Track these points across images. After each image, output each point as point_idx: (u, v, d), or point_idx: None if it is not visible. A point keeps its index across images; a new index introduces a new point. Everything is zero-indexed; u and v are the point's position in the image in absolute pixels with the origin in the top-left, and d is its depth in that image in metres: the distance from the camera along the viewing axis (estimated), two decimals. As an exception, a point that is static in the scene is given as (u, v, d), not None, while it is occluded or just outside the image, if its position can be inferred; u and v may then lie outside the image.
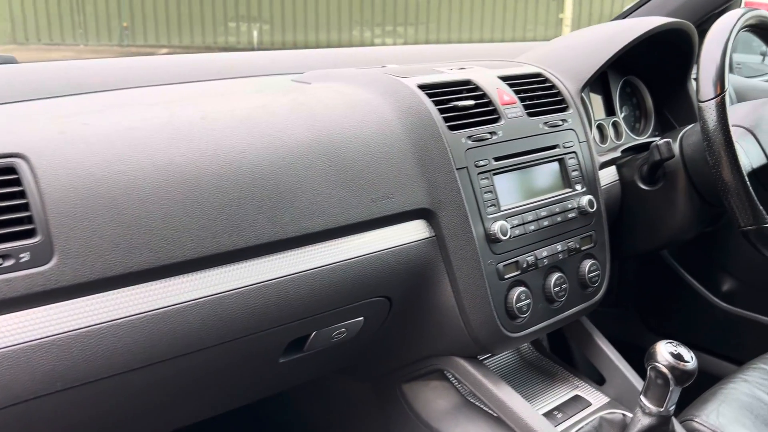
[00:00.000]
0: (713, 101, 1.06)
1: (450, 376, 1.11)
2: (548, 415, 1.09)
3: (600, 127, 1.40)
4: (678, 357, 0.91)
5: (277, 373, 0.97)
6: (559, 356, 1.34)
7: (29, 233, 0.66)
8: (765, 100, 1.22)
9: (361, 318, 0.96)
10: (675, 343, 0.93)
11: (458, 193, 0.96)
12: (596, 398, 1.14)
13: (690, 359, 0.91)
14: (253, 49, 12.50)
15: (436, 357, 1.08)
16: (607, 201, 1.26)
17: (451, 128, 0.99)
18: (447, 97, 1.02)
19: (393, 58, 1.43)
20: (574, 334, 1.21)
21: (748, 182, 1.06)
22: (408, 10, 13.31)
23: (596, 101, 1.44)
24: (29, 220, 0.66)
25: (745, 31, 1.18)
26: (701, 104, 1.07)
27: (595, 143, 1.38)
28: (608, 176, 1.28)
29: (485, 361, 1.19)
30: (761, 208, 1.07)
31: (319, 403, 1.31)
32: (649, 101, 1.51)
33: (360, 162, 0.89)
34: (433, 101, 0.99)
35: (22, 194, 0.66)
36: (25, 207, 0.66)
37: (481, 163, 1.00)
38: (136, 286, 0.71)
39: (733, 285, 1.79)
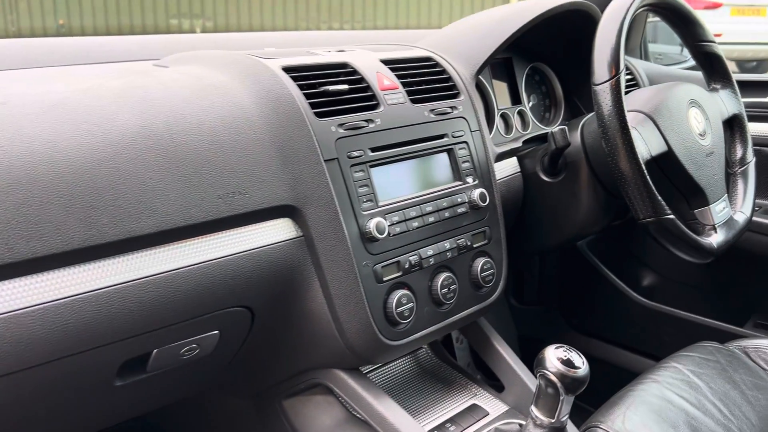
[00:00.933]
0: (607, 84, 0.98)
1: (332, 387, 1.01)
2: (440, 428, 1.00)
3: (504, 117, 1.32)
4: (568, 363, 0.82)
5: (119, 398, 0.85)
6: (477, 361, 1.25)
7: None
8: (667, 85, 1.16)
9: (216, 332, 0.85)
10: (565, 347, 0.85)
11: (327, 188, 0.86)
12: (494, 407, 1.06)
13: (581, 365, 0.83)
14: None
15: (315, 370, 0.98)
16: (507, 194, 1.17)
17: (320, 115, 0.88)
18: (317, 81, 0.92)
19: (286, 43, 1.33)
20: (472, 338, 1.13)
21: (646, 172, 0.99)
22: (355, 7, 13.19)
23: (502, 89, 1.36)
24: None
25: (645, 10, 1.11)
26: (595, 88, 1.00)
27: (499, 133, 1.30)
28: (509, 168, 1.20)
29: (375, 371, 1.10)
30: (660, 199, 1.00)
31: (199, 421, 1.20)
32: (559, 89, 1.44)
33: (204, 153, 0.78)
34: (300, 85, 0.89)
35: None
36: None
37: (355, 153, 0.90)
38: None
39: (652, 280, 1.74)
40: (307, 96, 0.89)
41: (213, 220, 0.78)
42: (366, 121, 0.92)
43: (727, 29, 9.73)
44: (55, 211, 0.66)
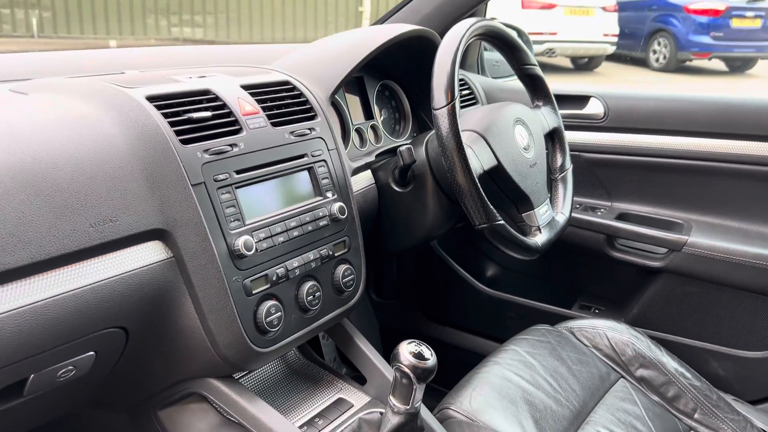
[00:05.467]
0: (445, 109, 1.12)
1: (207, 394, 1.07)
2: (309, 423, 1.10)
3: (359, 131, 1.43)
4: (419, 356, 0.94)
5: None
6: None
7: None
8: (497, 105, 1.32)
9: (92, 353, 0.88)
10: (417, 342, 0.96)
11: (195, 211, 0.92)
12: (358, 399, 1.17)
13: (430, 357, 0.95)
14: (32, 37, 11.34)
15: (189, 380, 1.03)
16: (364, 204, 1.28)
17: (185, 142, 0.94)
18: (181, 109, 0.97)
19: (143, 62, 1.35)
20: (337, 337, 1.23)
21: (479, 185, 1.14)
22: (206, -1, 12.87)
23: (355, 105, 1.47)
24: None
25: (476, 39, 1.27)
26: (435, 112, 1.13)
27: (355, 147, 1.41)
28: (364, 180, 1.31)
29: (247, 376, 1.17)
30: (492, 207, 1.15)
31: None
32: (407, 104, 1.58)
33: (74, 184, 0.81)
34: (164, 113, 0.94)
35: None
36: None
37: (221, 177, 0.97)
38: None
39: (495, 271, 1.94)
40: (172, 124, 0.94)
41: (85, 248, 0.81)
42: (230, 145, 0.99)
43: (561, 28, 10.55)
44: None
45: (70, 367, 0.87)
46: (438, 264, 1.91)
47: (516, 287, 1.85)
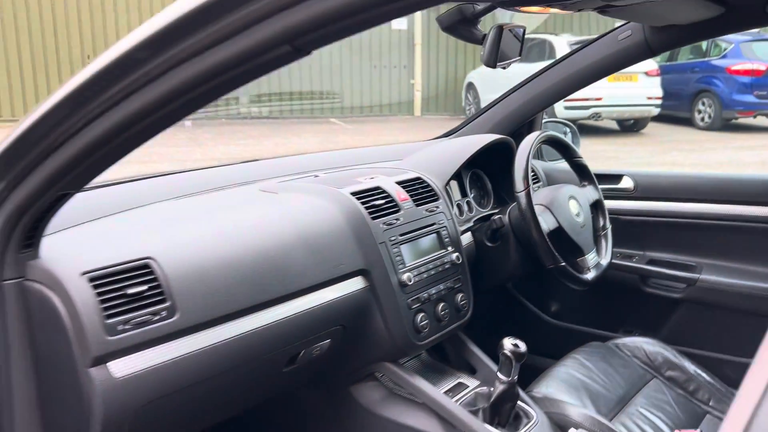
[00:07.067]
0: (523, 192, 1.76)
1: (379, 376, 1.69)
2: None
3: (458, 205, 2.09)
4: (516, 345, 1.55)
5: (282, 378, 1.52)
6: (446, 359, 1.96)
7: (163, 301, 1.18)
8: (556, 186, 1.96)
9: (329, 340, 1.53)
10: (513, 338, 1.57)
11: (381, 258, 1.57)
12: (471, 382, 1.77)
13: (522, 346, 1.56)
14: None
15: (371, 364, 1.66)
16: (467, 255, 1.92)
17: (373, 218, 1.60)
18: (368, 198, 1.64)
19: (314, 165, 2.04)
20: (454, 343, 1.85)
21: (548, 239, 1.77)
22: (270, 78, 13.98)
23: (455, 188, 2.13)
24: (161, 293, 1.19)
25: (542, 144, 1.92)
26: (516, 194, 1.77)
27: (457, 217, 2.06)
28: (466, 239, 1.95)
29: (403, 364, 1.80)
30: (557, 254, 1.77)
31: (283, 411, 1.84)
32: (489, 185, 2.23)
33: (323, 244, 1.48)
34: (360, 202, 1.61)
35: (155, 280, 1.19)
36: (158, 286, 1.19)
37: (392, 238, 1.62)
38: (224, 324, 1.25)
39: (558, 306, 2.54)
40: (365, 208, 1.60)
41: (329, 279, 1.47)
42: (395, 219, 1.65)
43: (606, 93, 11.05)
44: (270, 278, 1.34)
45: (318, 348, 1.52)
46: (511, 301, 2.51)
47: (573, 317, 2.43)
